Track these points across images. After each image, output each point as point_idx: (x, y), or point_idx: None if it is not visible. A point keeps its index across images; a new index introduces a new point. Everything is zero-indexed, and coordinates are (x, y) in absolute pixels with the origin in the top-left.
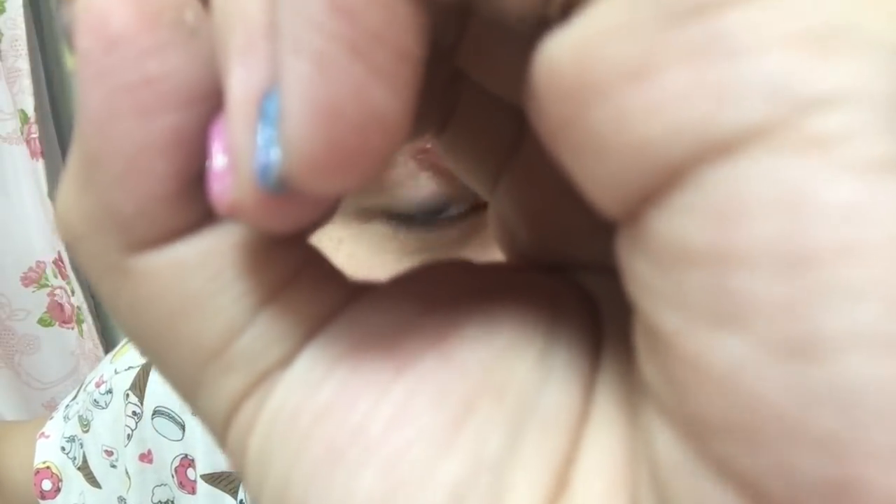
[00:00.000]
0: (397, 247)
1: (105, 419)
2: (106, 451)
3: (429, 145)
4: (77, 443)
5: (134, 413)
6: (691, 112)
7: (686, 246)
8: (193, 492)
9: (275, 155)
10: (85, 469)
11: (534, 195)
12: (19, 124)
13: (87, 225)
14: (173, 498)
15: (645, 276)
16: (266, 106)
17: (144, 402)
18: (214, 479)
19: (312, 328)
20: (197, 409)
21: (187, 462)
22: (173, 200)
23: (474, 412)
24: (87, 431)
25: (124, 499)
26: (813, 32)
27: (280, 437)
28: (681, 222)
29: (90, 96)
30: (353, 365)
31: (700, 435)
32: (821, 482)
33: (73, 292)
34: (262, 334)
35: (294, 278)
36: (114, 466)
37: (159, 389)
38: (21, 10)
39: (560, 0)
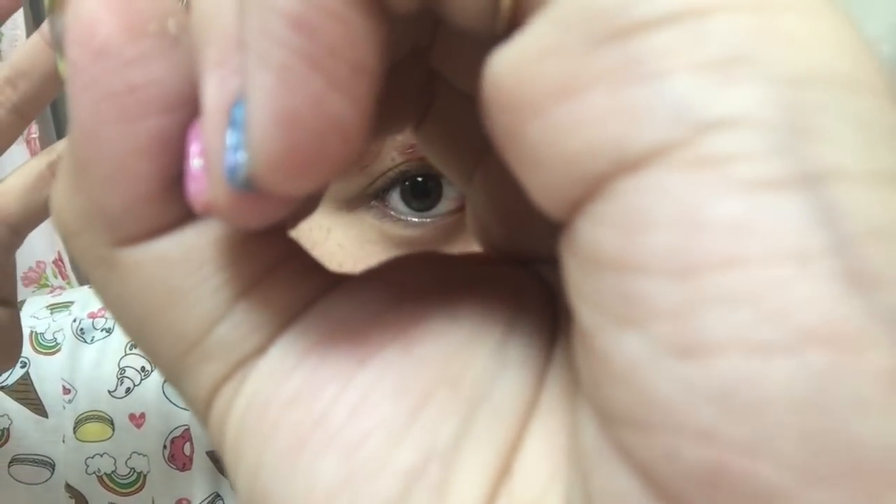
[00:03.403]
0: (383, 238)
1: (84, 356)
2: (64, 388)
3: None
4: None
5: (143, 369)
6: (607, 131)
7: (600, 252)
8: (184, 468)
9: (241, 157)
10: (21, 392)
11: (504, 191)
12: None
13: (79, 222)
14: (147, 472)
15: (573, 276)
16: (235, 113)
17: None
18: (217, 458)
19: (286, 319)
20: (182, 394)
21: (188, 435)
22: (156, 199)
23: (431, 402)
24: (46, 353)
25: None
26: (714, 60)
27: (252, 423)
28: (597, 230)
29: (79, 103)
30: (321, 356)
31: (608, 422)
32: (699, 469)
33: None
34: (239, 325)
35: (271, 272)
36: (64, 408)
37: None
38: (21, 10)
39: (505, 17)
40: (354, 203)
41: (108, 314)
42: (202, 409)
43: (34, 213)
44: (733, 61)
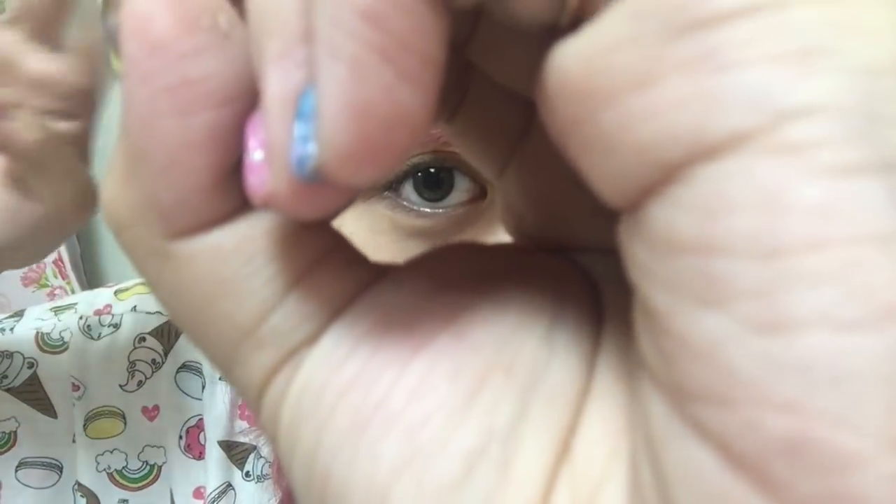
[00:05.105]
0: (394, 228)
1: (92, 352)
2: (73, 385)
3: (432, 130)
4: (22, 361)
5: (153, 362)
6: (686, 118)
7: (677, 235)
8: (200, 457)
9: (311, 148)
10: (29, 392)
11: (540, 180)
12: None
13: (132, 214)
14: (163, 463)
15: (642, 261)
16: (303, 104)
17: (171, 354)
18: (229, 448)
19: (337, 308)
20: (233, 382)
21: (202, 424)
22: (211, 191)
23: (487, 386)
24: (53, 352)
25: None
26: (793, 50)
27: (309, 408)
28: (674, 214)
29: (135, 96)
30: (376, 343)
31: (683, 401)
32: (782, 440)
33: (72, 292)
34: (291, 314)
35: (320, 262)
36: (73, 404)
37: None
38: None
39: (572, 11)
40: (367, 193)
41: (114, 311)
42: (255, 397)
43: None
44: (811, 52)
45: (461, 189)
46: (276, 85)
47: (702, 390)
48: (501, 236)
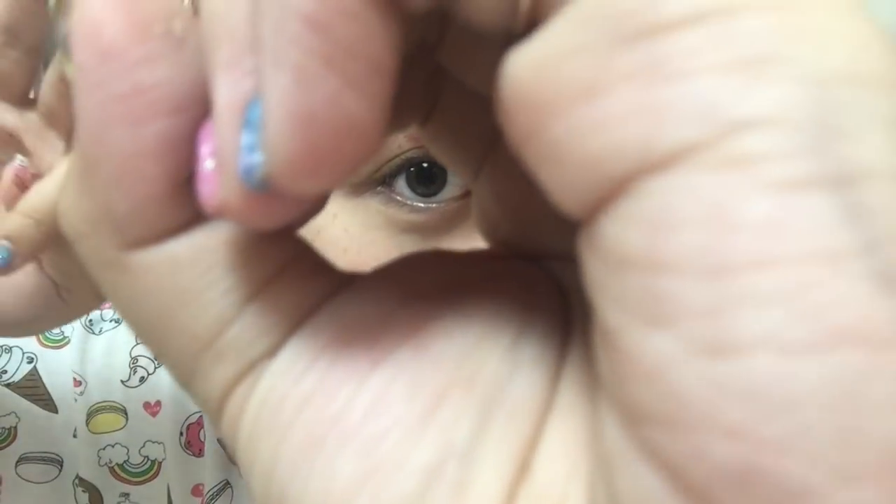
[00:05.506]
0: (388, 223)
1: (94, 347)
2: (75, 380)
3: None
4: (22, 355)
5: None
6: (632, 130)
7: (626, 251)
8: (200, 454)
9: (257, 157)
10: (29, 388)
11: (512, 186)
12: None
13: (87, 224)
14: (163, 460)
15: (596, 276)
16: (250, 113)
17: None
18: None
19: (297, 320)
20: (193, 395)
21: (202, 421)
22: (165, 201)
23: (446, 402)
24: (54, 346)
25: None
26: (742, 60)
27: (267, 423)
28: (623, 229)
29: (86, 105)
30: (334, 356)
31: (633, 422)
32: (729, 467)
33: None
34: (250, 327)
35: (280, 273)
36: (76, 400)
37: None
38: None
39: (524, 16)
40: (360, 188)
41: None
42: (214, 410)
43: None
44: (761, 61)
45: (454, 184)
46: (225, 94)
47: (650, 412)
48: None
